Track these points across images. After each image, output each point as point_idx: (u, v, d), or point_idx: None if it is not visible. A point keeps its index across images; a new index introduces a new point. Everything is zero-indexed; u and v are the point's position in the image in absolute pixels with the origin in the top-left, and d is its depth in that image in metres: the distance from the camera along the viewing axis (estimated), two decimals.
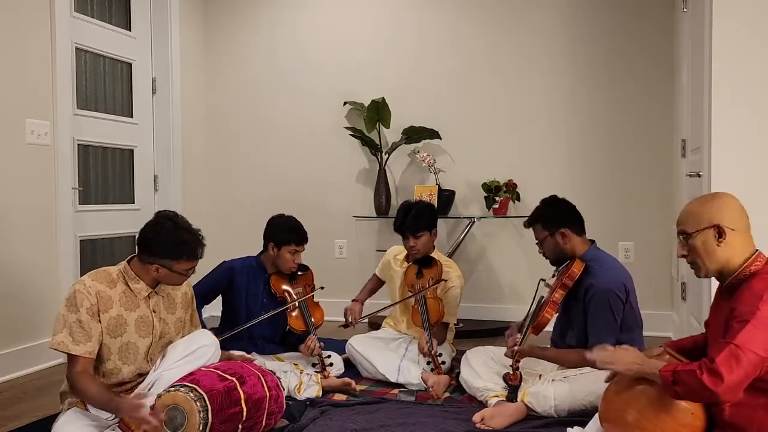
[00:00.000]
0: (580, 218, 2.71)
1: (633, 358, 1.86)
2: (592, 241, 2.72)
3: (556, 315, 2.60)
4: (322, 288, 3.15)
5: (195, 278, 2.64)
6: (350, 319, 3.29)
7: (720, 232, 1.78)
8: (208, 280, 3.09)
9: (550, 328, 2.77)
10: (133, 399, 2.04)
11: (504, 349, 2.67)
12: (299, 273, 3.15)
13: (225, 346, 2.63)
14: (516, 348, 2.57)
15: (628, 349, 1.91)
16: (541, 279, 2.79)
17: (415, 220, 3.18)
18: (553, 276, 2.73)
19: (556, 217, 2.67)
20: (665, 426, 1.76)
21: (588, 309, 2.55)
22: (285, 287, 3.09)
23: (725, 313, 1.76)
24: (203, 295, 3.00)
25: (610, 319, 2.51)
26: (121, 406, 2.02)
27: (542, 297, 2.66)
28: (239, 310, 3.07)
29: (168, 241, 2.19)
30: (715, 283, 2.49)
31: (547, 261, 2.80)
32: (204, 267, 3.12)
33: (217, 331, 2.59)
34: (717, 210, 1.80)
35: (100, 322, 2.15)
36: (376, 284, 3.57)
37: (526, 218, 2.79)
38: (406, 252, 3.38)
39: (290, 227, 3.08)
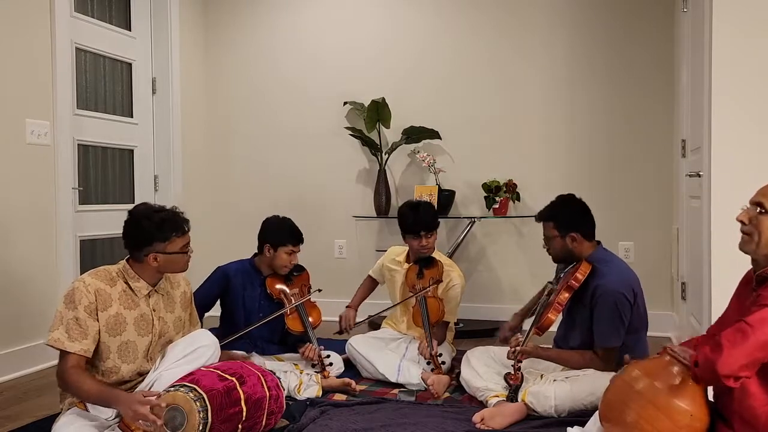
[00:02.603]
0: (592, 222, 2.68)
1: None
2: (598, 242, 2.71)
3: (558, 316, 2.59)
4: (319, 290, 3.15)
5: (193, 284, 2.64)
6: (344, 326, 3.30)
7: None
8: (204, 288, 3.07)
9: (553, 328, 2.77)
10: (136, 394, 2.03)
11: (505, 349, 2.67)
12: (294, 273, 3.15)
13: (224, 347, 2.64)
14: (518, 348, 2.56)
15: None
16: (549, 282, 2.78)
17: (430, 216, 3.19)
18: (558, 278, 2.72)
19: (570, 221, 2.64)
20: (663, 427, 1.76)
21: (594, 310, 2.54)
22: (281, 288, 3.09)
23: (750, 303, 1.74)
24: (201, 303, 2.96)
25: (617, 321, 2.49)
26: (119, 399, 2.01)
27: (546, 298, 2.65)
28: (237, 313, 3.07)
29: (149, 226, 2.20)
30: (716, 285, 2.52)
31: (549, 260, 2.80)
32: (204, 267, 3.14)
33: (216, 332, 2.58)
34: None
35: (98, 320, 2.15)
36: (370, 286, 3.56)
37: (539, 211, 2.75)
38: (405, 252, 3.37)
39: (286, 228, 3.07)
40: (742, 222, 1.81)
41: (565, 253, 2.67)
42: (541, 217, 2.72)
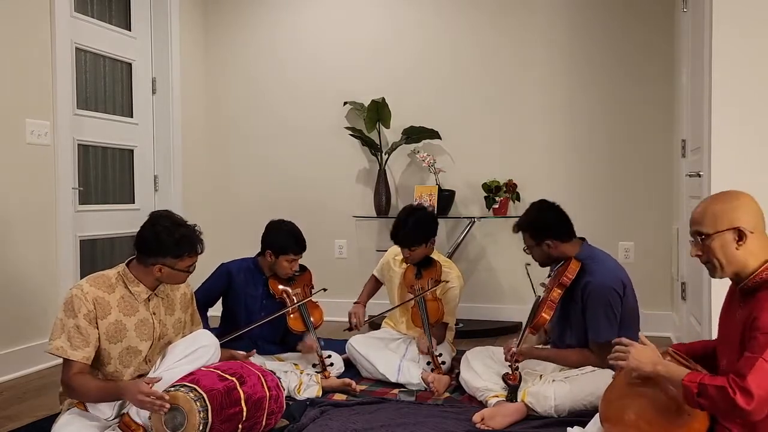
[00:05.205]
0: (567, 225, 2.71)
1: (655, 358, 1.79)
2: (582, 239, 2.72)
3: (553, 314, 2.60)
4: (324, 290, 3.13)
5: (195, 282, 2.64)
6: (355, 323, 3.28)
7: (740, 235, 1.72)
8: (206, 285, 3.07)
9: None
10: (139, 383, 2.04)
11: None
12: (297, 273, 3.14)
13: (225, 346, 2.63)
14: (514, 349, 2.57)
15: (645, 347, 1.83)
16: (526, 264, 2.82)
17: (411, 234, 3.14)
18: (549, 276, 2.74)
19: (541, 229, 2.68)
20: (662, 427, 1.76)
21: (586, 306, 2.56)
22: (284, 288, 3.09)
23: (741, 320, 1.73)
24: (203, 300, 2.97)
25: (610, 315, 2.52)
26: (125, 389, 2.04)
27: (539, 297, 2.67)
28: (238, 311, 3.07)
29: (168, 240, 2.18)
30: (716, 285, 2.51)
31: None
32: (204, 267, 3.12)
33: (216, 332, 2.58)
34: (736, 211, 1.73)
35: (97, 328, 2.15)
36: (375, 285, 3.56)
37: (516, 222, 2.80)
38: None
39: (289, 236, 3.04)
40: (698, 256, 1.81)
41: (546, 259, 2.72)
42: (517, 228, 2.78)
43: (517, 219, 4.13)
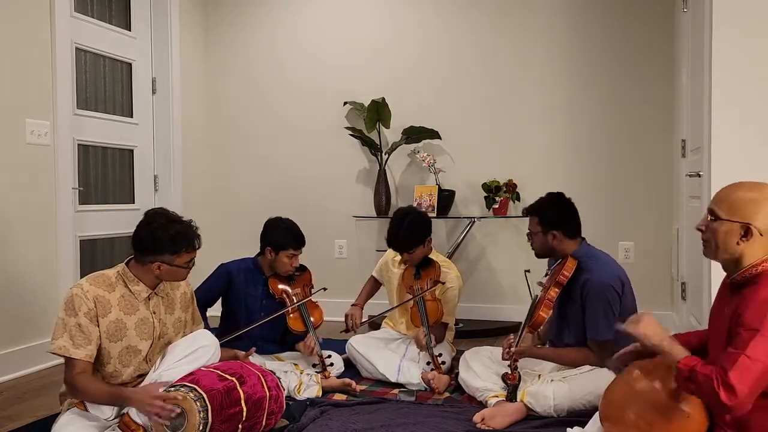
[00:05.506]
0: (577, 223, 2.71)
1: (663, 334, 1.80)
2: (582, 239, 2.73)
3: (551, 313, 2.60)
4: (324, 289, 3.13)
5: (194, 282, 2.64)
6: (351, 324, 3.29)
7: (747, 232, 1.72)
8: (206, 284, 3.07)
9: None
10: (148, 389, 2.05)
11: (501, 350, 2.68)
12: (297, 273, 3.14)
13: (225, 346, 2.63)
14: (512, 349, 2.57)
15: (656, 322, 1.84)
16: (525, 270, 2.81)
17: (406, 238, 3.14)
18: (546, 275, 2.74)
19: (554, 218, 2.68)
20: (661, 427, 1.76)
21: (585, 304, 2.56)
22: (284, 288, 3.09)
23: (729, 313, 1.74)
24: (203, 300, 2.97)
25: (608, 314, 2.52)
26: (132, 398, 2.05)
27: (536, 296, 2.67)
28: (238, 311, 3.07)
29: (164, 237, 2.19)
30: (716, 285, 2.51)
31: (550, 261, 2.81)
32: (204, 267, 3.14)
33: (216, 332, 2.58)
34: (757, 206, 1.72)
35: (98, 326, 2.15)
36: (374, 286, 3.56)
37: (528, 206, 2.80)
38: None
39: (288, 231, 3.05)
40: (700, 230, 1.83)
41: (546, 250, 2.72)
42: (529, 211, 2.78)
43: (517, 219, 4.20)
